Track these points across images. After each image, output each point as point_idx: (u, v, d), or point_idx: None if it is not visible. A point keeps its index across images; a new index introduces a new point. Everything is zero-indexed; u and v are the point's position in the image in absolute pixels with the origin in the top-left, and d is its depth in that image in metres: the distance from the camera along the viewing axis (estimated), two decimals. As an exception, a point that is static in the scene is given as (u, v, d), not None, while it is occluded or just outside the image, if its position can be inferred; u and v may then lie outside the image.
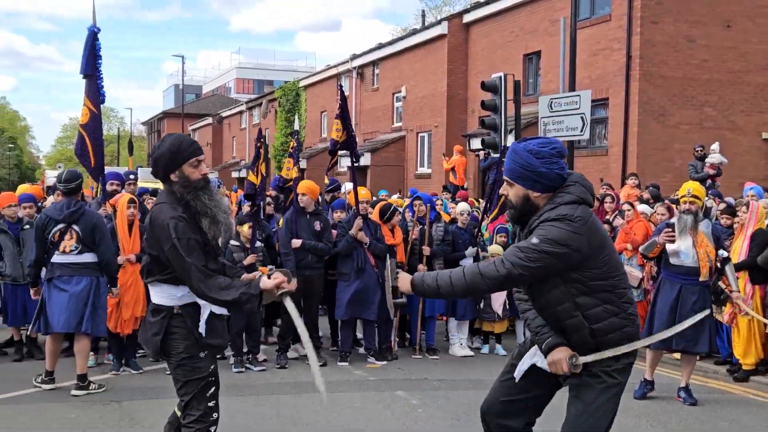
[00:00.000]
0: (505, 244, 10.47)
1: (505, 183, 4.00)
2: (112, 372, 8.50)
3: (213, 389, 4.47)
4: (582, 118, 14.86)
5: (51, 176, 30.04)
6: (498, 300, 9.97)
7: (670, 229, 7.55)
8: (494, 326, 10.17)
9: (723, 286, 7.91)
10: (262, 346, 9.50)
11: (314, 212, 9.31)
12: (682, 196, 7.73)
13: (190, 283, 4.27)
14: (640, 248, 8.65)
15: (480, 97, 17.01)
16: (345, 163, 9.57)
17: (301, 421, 6.82)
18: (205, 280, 4.22)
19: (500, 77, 15.82)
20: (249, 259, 8.70)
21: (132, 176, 10.13)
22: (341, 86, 11.48)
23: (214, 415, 4.45)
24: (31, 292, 8.13)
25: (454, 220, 10.68)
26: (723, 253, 7.67)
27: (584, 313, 3.85)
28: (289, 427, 6.69)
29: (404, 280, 3.97)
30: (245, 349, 8.98)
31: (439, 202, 12.73)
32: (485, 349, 10.25)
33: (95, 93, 9.35)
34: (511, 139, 17.03)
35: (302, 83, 40.99)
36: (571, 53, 15.87)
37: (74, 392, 7.54)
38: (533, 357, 4.14)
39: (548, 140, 3.92)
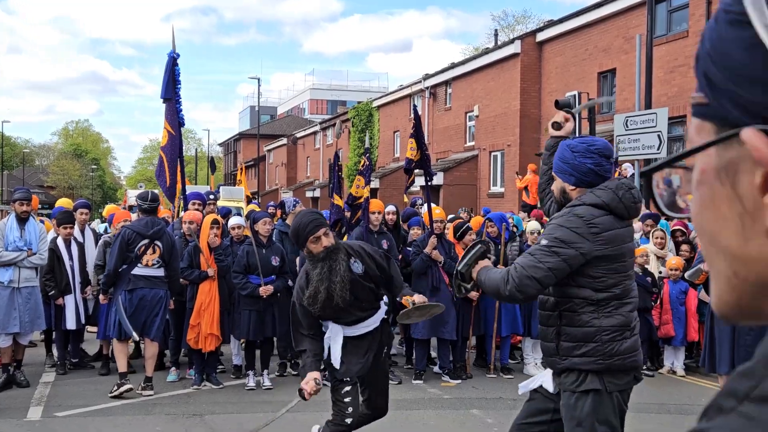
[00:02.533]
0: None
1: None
2: (193, 387, 8.76)
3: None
4: (659, 136, 14.71)
5: (132, 196, 30.98)
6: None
7: None
8: (569, 346, 10.10)
9: None
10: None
11: (380, 231, 9.46)
12: None
13: None
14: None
15: (553, 115, 16.96)
16: (419, 182, 9.70)
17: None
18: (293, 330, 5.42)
19: (574, 95, 15.77)
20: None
21: (212, 196, 10.43)
22: (415, 106, 11.62)
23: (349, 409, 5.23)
24: (101, 298, 8.90)
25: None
26: None
27: (561, 308, 3.87)
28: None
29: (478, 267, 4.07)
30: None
31: (510, 219, 12.70)
32: (560, 368, 10.17)
33: (174, 116, 9.72)
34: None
35: (375, 103, 41.39)
36: (647, 70, 15.73)
37: (144, 392, 8.28)
38: (543, 377, 4.13)
39: (591, 139, 3.98)
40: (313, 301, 5.00)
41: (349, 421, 5.17)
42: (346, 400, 5.18)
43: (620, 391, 3.85)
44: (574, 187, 3.89)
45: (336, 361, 5.20)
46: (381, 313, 5.46)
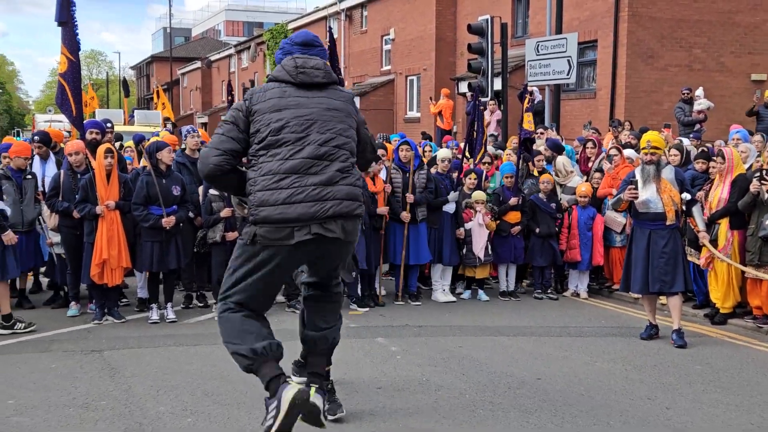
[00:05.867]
0: (488, 189, 10.48)
1: None
2: (94, 321, 8.55)
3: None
4: (568, 61, 14.79)
5: (41, 120, 29.76)
6: (479, 243, 10.01)
7: (633, 186, 7.84)
8: (476, 271, 10.22)
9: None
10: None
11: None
12: (643, 148, 8.03)
13: None
14: (609, 203, 8.89)
15: (468, 39, 16.82)
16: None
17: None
18: None
19: (487, 20, 15.68)
20: (226, 212, 8.72)
21: (109, 125, 10.02)
22: (330, 29, 11.31)
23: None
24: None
25: (431, 162, 10.66)
26: (686, 195, 7.93)
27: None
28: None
29: None
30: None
31: (428, 147, 12.68)
32: (467, 295, 10.32)
33: (72, 41, 9.25)
34: (498, 83, 16.94)
35: (291, 26, 40.42)
36: (558, -5, 15.67)
37: None
38: None
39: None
40: None
41: None
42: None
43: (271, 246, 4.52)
44: None
45: None
46: None
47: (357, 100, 29.00)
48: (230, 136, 4.51)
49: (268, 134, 4.44)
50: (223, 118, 4.63)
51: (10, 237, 7.92)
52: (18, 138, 19.87)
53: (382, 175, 9.83)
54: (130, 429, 5.40)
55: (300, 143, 4.41)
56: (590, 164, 11.59)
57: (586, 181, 11.00)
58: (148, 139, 10.22)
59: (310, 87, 4.56)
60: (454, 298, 10.09)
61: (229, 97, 9.10)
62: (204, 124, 43.54)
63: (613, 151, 10.75)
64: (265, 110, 4.44)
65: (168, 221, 8.43)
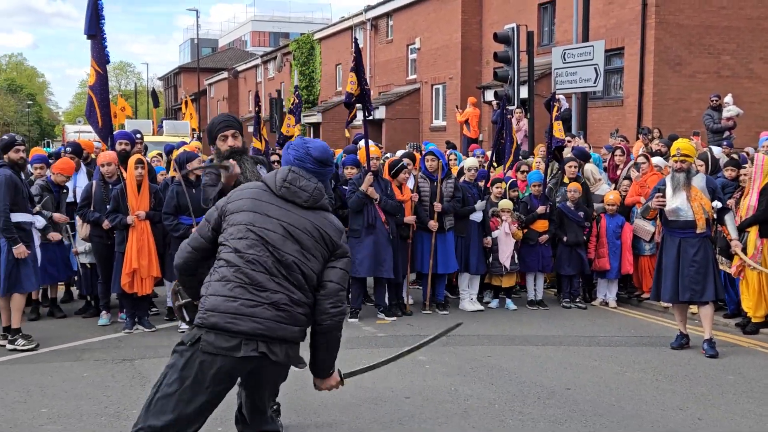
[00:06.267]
0: (516, 199, 10.46)
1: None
2: (125, 330, 8.63)
3: None
4: (595, 69, 14.74)
5: (70, 131, 30.08)
6: (505, 252, 10.00)
7: (661, 194, 7.80)
8: (502, 280, 10.20)
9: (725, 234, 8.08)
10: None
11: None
12: (673, 156, 7.95)
13: None
14: (638, 211, 8.83)
15: (494, 48, 16.83)
16: (361, 116, 9.45)
17: (310, 381, 6.87)
18: None
19: (513, 28, 15.68)
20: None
21: (139, 135, 10.13)
22: (356, 39, 11.37)
23: None
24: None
25: (461, 173, 10.65)
26: (717, 204, 7.82)
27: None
28: (298, 390, 6.75)
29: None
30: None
31: (453, 156, 12.68)
32: (494, 304, 10.29)
33: (100, 53, 9.39)
34: (524, 91, 16.91)
35: (317, 36, 40.67)
36: (585, 2, 15.64)
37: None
38: None
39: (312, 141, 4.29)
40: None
41: None
42: None
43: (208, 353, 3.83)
44: None
45: None
46: None
47: (383, 109, 29.16)
48: None
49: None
50: None
51: (20, 251, 7.77)
52: (48, 149, 20.12)
53: (410, 183, 9.84)
54: (162, 438, 5.43)
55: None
56: (619, 172, 11.53)
57: (614, 189, 10.95)
58: (177, 148, 10.32)
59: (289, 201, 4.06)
60: (481, 307, 10.07)
61: (257, 108, 9.14)
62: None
63: (641, 159, 10.69)
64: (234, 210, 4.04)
65: None
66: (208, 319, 3.81)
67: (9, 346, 7.86)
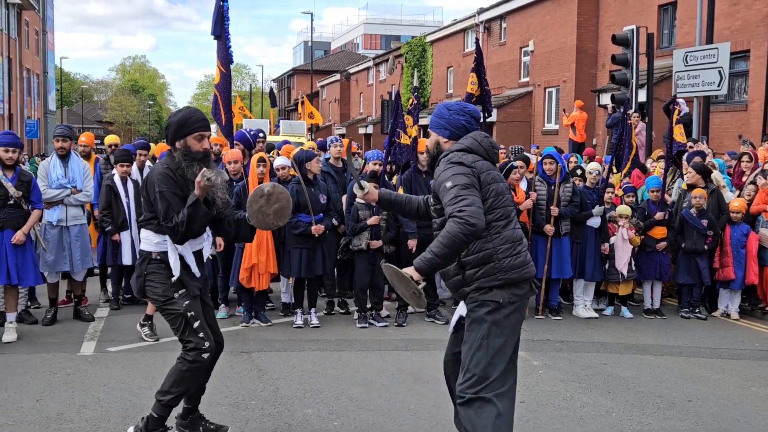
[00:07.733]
0: (632, 204, 10.20)
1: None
2: (242, 324, 8.87)
3: (197, 323, 4.94)
4: (720, 72, 14.22)
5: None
6: (622, 259, 9.76)
7: None
8: (618, 288, 9.96)
9: None
10: (385, 302, 9.65)
11: (429, 171, 9.27)
12: None
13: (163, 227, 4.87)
14: (765, 220, 8.42)
15: (611, 50, 16.50)
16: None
17: (422, 378, 6.92)
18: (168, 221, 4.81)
19: (632, 30, 15.34)
20: (372, 220, 8.83)
21: (261, 135, 10.36)
22: (477, 40, 11.34)
23: (206, 344, 4.95)
24: None
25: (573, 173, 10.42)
26: None
27: None
28: (410, 382, 6.80)
29: (410, 271, 4.02)
30: (369, 305, 9.16)
31: (573, 158, 12.47)
32: (609, 311, 10.06)
33: (225, 53, 9.67)
34: (642, 95, 16.47)
35: (428, 38, 40.72)
36: (710, 3, 15.12)
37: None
38: (460, 309, 4.38)
39: (463, 103, 4.64)
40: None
41: (206, 356, 4.96)
42: (201, 334, 4.93)
43: (518, 303, 4.21)
44: (447, 140, 4.41)
45: (177, 270, 4.94)
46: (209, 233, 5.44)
47: (495, 112, 28.94)
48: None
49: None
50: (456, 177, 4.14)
51: (17, 238, 7.99)
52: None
53: (523, 185, 9.73)
54: (279, 430, 5.56)
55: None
56: (744, 178, 11.08)
57: (739, 196, 10.53)
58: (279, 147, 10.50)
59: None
60: (596, 314, 9.86)
61: (398, 106, 9.25)
62: (342, 135, 44.34)
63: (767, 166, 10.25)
64: (490, 181, 4.23)
65: (317, 229, 8.66)
66: (523, 272, 4.24)
67: (141, 330, 8.23)
